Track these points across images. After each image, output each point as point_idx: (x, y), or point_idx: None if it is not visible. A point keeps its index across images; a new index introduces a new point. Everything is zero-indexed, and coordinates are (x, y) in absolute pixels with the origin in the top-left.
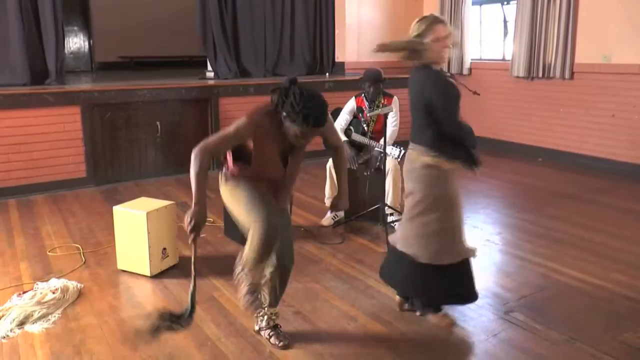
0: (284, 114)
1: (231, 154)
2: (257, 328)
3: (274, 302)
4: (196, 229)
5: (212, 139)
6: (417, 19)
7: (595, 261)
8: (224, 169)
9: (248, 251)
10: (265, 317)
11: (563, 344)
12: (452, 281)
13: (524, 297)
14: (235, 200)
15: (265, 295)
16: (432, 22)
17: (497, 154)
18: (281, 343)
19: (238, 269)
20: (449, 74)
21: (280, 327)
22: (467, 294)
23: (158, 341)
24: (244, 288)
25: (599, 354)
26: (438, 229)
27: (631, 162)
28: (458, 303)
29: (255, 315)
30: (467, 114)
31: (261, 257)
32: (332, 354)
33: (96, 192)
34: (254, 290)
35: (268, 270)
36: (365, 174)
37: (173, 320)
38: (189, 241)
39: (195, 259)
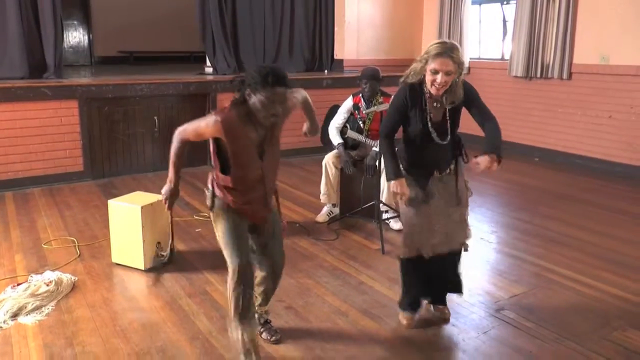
0: (247, 91)
1: (217, 163)
2: None
3: (264, 302)
4: (170, 203)
5: (189, 127)
6: (439, 40)
7: (588, 261)
8: (209, 186)
9: (229, 298)
10: (256, 315)
11: (553, 342)
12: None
13: (515, 295)
14: (217, 228)
15: (256, 294)
16: (436, 54)
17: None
18: (273, 338)
19: (229, 325)
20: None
21: (271, 322)
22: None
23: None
24: (240, 353)
25: (587, 352)
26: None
27: (627, 163)
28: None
29: None
30: (465, 113)
31: (241, 302)
32: (323, 348)
33: (93, 185)
34: (249, 351)
35: (260, 274)
36: (367, 176)
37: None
38: (166, 209)
39: (172, 224)
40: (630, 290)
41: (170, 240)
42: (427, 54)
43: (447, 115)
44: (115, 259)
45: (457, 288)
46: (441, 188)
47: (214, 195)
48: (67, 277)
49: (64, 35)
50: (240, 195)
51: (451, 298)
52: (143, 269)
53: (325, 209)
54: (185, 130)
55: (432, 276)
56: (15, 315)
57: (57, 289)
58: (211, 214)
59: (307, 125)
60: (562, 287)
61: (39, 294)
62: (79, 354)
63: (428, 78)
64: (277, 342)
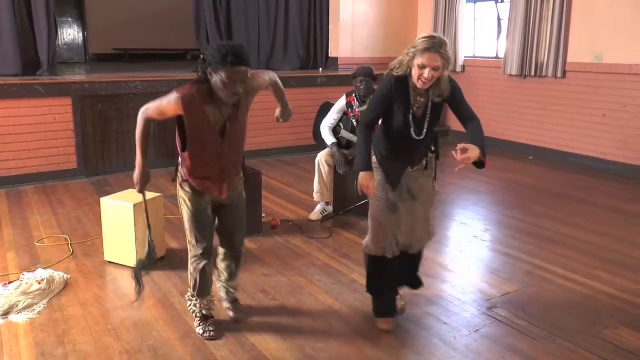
0: (209, 69)
1: (179, 140)
2: (221, 298)
3: (230, 278)
4: (142, 186)
5: (152, 105)
6: (427, 35)
7: (581, 259)
8: (177, 166)
9: (190, 275)
10: (224, 288)
11: (544, 340)
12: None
13: (508, 293)
14: (182, 212)
15: (222, 270)
16: (424, 49)
17: (488, 152)
18: (237, 316)
19: (187, 297)
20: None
21: (239, 301)
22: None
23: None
24: (195, 320)
25: (579, 350)
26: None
27: (621, 161)
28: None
29: (217, 285)
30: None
31: (201, 281)
32: (315, 347)
33: (87, 183)
34: (206, 318)
35: (221, 251)
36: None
37: (143, 266)
38: (137, 191)
39: (147, 210)
40: (622, 288)
41: (148, 235)
42: (415, 48)
43: (429, 110)
44: (107, 257)
45: (415, 285)
46: (411, 183)
47: (176, 171)
48: (59, 275)
49: (58, 33)
50: (198, 170)
51: (444, 296)
52: (135, 267)
53: (318, 207)
54: (148, 109)
55: (395, 275)
56: (6, 314)
57: (49, 287)
58: (178, 189)
59: (279, 110)
60: (554, 285)
61: (31, 292)
62: (70, 353)
63: (415, 72)
64: (240, 321)
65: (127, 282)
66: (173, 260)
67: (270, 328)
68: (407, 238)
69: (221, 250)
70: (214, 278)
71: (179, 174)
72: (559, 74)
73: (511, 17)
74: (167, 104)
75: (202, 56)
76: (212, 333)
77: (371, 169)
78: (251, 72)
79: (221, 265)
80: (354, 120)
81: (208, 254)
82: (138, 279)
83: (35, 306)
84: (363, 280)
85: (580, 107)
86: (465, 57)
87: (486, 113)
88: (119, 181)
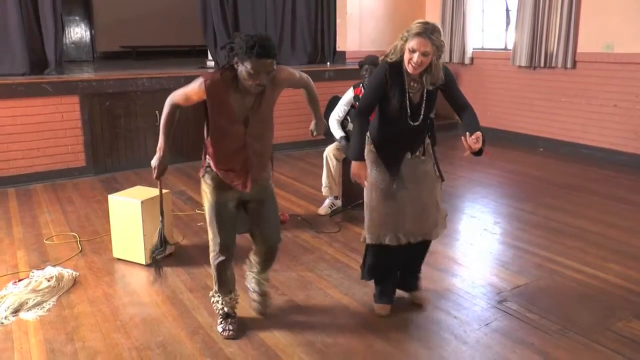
0: (235, 59)
1: (206, 128)
2: (247, 285)
3: (262, 270)
4: (160, 172)
5: (179, 91)
6: (421, 20)
7: (592, 251)
8: (204, 157)
9: (212, 272)
10: (255, 279)
11: (555, 334)
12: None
13: (518, 286)
14: (204, 206)
15: (254, 263)
16: (415, 33)
17: (498, 144)
18: (261, 311)
19: (211, 294)
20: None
21: (269, 295)
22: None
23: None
24: (217, 318)
25: (590, 344)
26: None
27: (632, 152)
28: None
29: (247, 274)
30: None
31: (220, 277)
32: (324, 342)
33: (95, 180)
34: (227, 316)
35: (255, 246)
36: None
37: (157, 251)
38: (154, 177)
39: (161, 199)
40: (634, 280)
41: (160, 225)
42: (408, 32)
43: (424, 97)
44: (116, 254)
45: (412, 287)
46: (412, 171)
47: (206, 165)
48: (68, 273)
49: (65, 31)
50: (222, 161)
51: (454, 290)
52: (144, 263)
53: (327, 202)
54: (175, 95)
55: (396, 264)
56: (16, 311)
57: (58, 284)
58: (201, 182)
59: (313, 123)
60: (565, 278)
61: (40, 290)
62: (80, 350)
63: (405, 56)
64: (262, 313)
65: (136, 279)
66: (182, 257)
67: (279, 323)
68: (417, 225)
69: (254, 245)
70: (246, 267)
71: (207, 170)
72: (569, 65)
73: (520, 7)
74: (192, 88)
75: (229, 44)
76: (231, 332)
77: (363, 159)
78: (279, 66)
79: (253, 257)
80: None
81: (226, 250)
82: (156, 262)
83: (44, 303)
84: None
85: (590, 98)
86: (473, 49)
87: (496, 105)
88: (128, 178)
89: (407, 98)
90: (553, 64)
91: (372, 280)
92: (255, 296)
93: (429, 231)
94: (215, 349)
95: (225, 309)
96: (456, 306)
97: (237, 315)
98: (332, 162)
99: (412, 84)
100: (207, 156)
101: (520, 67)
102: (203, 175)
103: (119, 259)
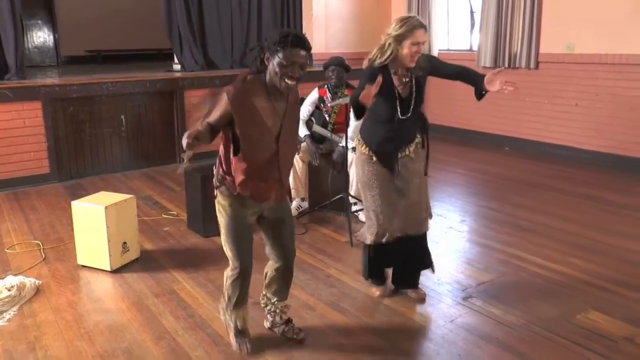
0: (266, 54)
1: (231, 145)
2: (268, 325)
3: (282, 297)
4: (189, 143)
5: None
6: (400, 18)
7: (555, 247)
8: (216, 172)
9: (226, 287)
10: (278, 310)
11: (519, 328)
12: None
13: (483, 283)
14: (221, 222)
15: (270, 294)
16: (413, 27)
17: (465, 144)
18: (299, 337)
19: (221, 307)
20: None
21: (293, 320)
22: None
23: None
24: (230, 332)
25: (552, 336)
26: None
27: (594, 149)
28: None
29: (265, 312)
30: (435, 104)
31: (238, 294)
32: (290, 343)
33: (60, 187)
34: (241, 332)
35: (269, 269)
36: (334, 172)
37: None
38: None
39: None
40: (594, 273)
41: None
42: (401, 31)
43: (414, 88)
44: (80, 260)
45: (426, 264)
46: (401, 166)
47: (222, 178)
48: (30, 281)
49: (27, 35)
50: (253, 175)
51: (419, 288)
52: (109, 270)
53: (294, 203)
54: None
55: (399, 258)
56: None
57: (20, 293)
58: (216, 193)
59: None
60: (529, 273)
61: (0, 300)
62: (42, 359)
63: (407, 51)
64: (302, 340)
65: (100, 285)
66: (148, 262)
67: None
68: (409, 221)
69: (270, 269)
70: (261, 305)
71: (219, 181)
72: (532, 65)
73: (483, 9)
74: (218, 104)
75: (258, 45)
76: (248, 349)
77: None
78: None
79: (268, 291)
80: (326, 115)
81: (248, 272)
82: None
83: (4, 313)
84: (339, 275)
85: (553, 97)
86: (439, 50)
87: (462, 105)
88: (94, 184)
89: (398, 94)
90: (517, 65)
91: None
92: (280, 329)
93: (419, 226)
94: (181, 353)
95: (239, 325)
96: (421, 303)
97: (249, 332)
98: (299, 164)
99: (403, 79)
100: (225, 174)
101: (485, 67)
102: (219, 189)
103: (83, 266)
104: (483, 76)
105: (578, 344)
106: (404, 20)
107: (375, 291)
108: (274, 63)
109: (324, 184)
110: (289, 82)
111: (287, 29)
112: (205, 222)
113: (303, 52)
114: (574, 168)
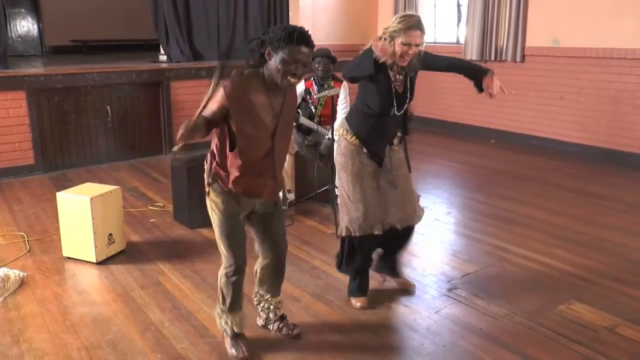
0: (268, 49)
1: (226, 141)
2: (262, 323)
3: (275, 293)
4: (184, 135)
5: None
6: (400, 15)
7: (540, 238)
8: (208, 167)
9: (220, 287)
10: (272, 307)
11: (502, 319)
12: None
13: (468, 274)
14: (213, 220)
15: (263, 291)
16: (408, 27)
17: (451, 136)
18: (293, 332)
19: (217, 313)
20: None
21: (287, 316)
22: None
23: None
24: (226, 338)
25: (534, 326)
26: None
27: (579, 142)
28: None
29: (258, 310)
30: (422, 96)
31: (233, 295)
32: (276, 335)
33: (45, 178)
34: (238, 336)
35: (259, 266)
36: (320, 164)
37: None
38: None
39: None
40: (577, 265)
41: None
42: (396, 28)
43: (408, 85)
44: (66, 252)
45: (395, 271)
46: (387, 161)
47: (215, 172)
48: (14, 273)
49: (10, 24)
50: (249, 172)
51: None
52: (95, 261)
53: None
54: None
55: (382, 249)
56: None
57: (4, 285)
58: (208, 190)
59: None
60: (514, 264)
61: None
62: (26, 351)
63: (398, 49)
64: (298, 336)
65: (86, 277)
66: (133, 253)
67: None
68: (400, 211)
69: (260, 266)
70: (254, 302)
71: (211, 177)
72: (518, 59)
73: (470, 3)
74: (214, 98)
75: (257, 39)
76: (244, 353)
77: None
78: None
79: (260, 289)
80: (312, 107)
81: (241, 270)
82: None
83: None
84: (325, 267)
85: (539, 91)
86: (426, 43)
87: (448, 98)
88: (79, 175)
89: (394, 90)
90: (503, 58)
91: (349, 274)
92: (275, 325)
93: (410, 216)
94: (167, 345)
95: (235, 329)
96: (407, 295)
97: (245, 336)
98: None
99: (397, 76)
100: (219, 169)
101: (471, 60)
102: (210, 185)
103: (69, 258)
104: (480, 69)
105: (560, 334)
106: (402, 18)
107: (356, 302)
108: (276, 59)
109: (310, 175)
110: (291, 79)
111: (290, 24)
112: (191, 214)
113: (307, 50)
114: (559, 161)
